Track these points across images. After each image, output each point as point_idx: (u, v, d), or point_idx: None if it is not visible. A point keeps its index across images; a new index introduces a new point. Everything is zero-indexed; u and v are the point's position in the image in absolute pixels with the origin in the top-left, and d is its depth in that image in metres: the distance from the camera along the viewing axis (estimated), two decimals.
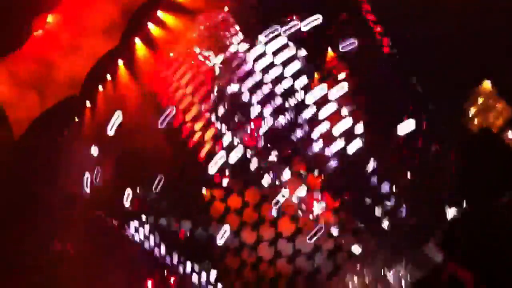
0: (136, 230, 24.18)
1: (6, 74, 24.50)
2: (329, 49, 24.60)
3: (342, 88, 23.73)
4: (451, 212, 22.70)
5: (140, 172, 23.84)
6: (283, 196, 22.86)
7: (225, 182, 23.38)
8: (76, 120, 25.26)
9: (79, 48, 24.96)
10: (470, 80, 25.32)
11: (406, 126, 23.78)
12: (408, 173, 23.52)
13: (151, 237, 23.94)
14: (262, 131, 23.57)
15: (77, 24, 25.14)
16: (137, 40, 25.51)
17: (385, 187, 23.05)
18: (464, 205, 22.51)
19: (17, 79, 24.54)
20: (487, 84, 25.57)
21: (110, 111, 24.80)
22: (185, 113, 24.43)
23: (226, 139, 23.61)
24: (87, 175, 24.38)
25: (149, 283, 23.97)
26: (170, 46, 25.20)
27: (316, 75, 24.08)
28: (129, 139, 24.21)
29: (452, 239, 21.15)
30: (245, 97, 23.69)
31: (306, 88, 23.65)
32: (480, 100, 25.52)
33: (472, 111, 25.43)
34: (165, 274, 24.00)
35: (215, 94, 24.16)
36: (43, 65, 24.78)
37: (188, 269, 23.24)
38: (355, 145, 23.27)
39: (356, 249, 22.49)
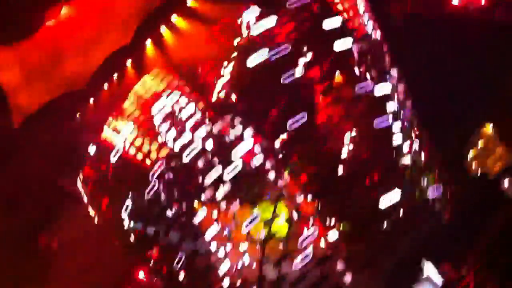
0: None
1: (14, 60, 24.40)
2: None
3: None
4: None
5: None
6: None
7: None
8: (78, 116, 25.22)
9: (90, 43, 24.86)
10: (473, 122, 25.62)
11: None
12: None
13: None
14: None
15: (91, 19, 25.06)
16: (148, 42, 25.46)
17: None
18: None
19: (25, 66, 24.43)
20: (488, 127, 25.74)
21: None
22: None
23: None
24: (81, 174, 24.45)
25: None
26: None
27: None
28: None
29: None
30: None
31: None
32: (481, 143, 25.66)
33: (472, 153, 25.59)
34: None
35: None
36: (53, 55, 24.68)
37: None
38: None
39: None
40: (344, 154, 23.73)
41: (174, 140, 23.51)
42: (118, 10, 25.02)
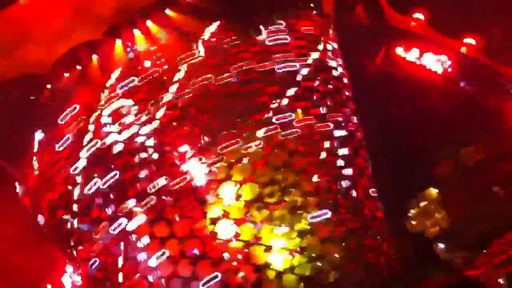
0: None
1: None
2: None
3: None
4: None
5: None
6: None
7: None
8: (32, 98, 24.71)
9: (61, 27, 24.50)
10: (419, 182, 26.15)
11: None
12: None
13: None
14: None
15: (65, 7, 24.76)
16: (118, 42, 25.30)
17: None
18: None
19: None
20: (433, 191, 26.27)
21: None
22: None
23: None
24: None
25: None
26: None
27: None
28: None
29: None
30: None
31: None
32: (423, 204, 26.14)
33: (413, 211, 26.02)
34: None
35: None
36: (19, 35, 24.17)
37: None
38: None
39: None
40: None
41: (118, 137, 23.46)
42: (95, 6, 24.80)
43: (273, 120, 23.92)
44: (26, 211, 25.36)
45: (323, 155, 24.27)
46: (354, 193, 24.41)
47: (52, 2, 24.54)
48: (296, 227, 23.11)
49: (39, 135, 25.02)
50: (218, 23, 24.97)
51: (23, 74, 24.39)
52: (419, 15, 28.60)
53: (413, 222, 25.81)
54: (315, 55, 25.51)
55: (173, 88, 24.32)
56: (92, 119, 24.49)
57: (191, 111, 24.14)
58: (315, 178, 23.77)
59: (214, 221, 22.78)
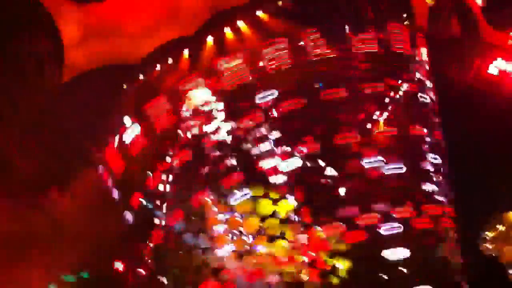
0: None
1: (78, 18, 25.01)
2: None
3: None
4: None
5: None
6: None
7: None
8: (124, 87, 25.78)
9: (151, 24, 25.41)
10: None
11: None
12: None
13: None
14: None
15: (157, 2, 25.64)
16: (209, 38, 25.93)
17: None
18: None
19: (86, 26, 25.05)
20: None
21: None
22: None
23: None
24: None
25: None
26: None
27: None
28: None
29: None
30: None
31: None
32: (501, 228, 25.44)
33: (490, 234, 25.38)
34: None
35: None
36: (113, 25, 25.25)
37: None
38: None
39: None
40: None
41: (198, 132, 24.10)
42: (186, 4, 25.50)
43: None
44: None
45: None
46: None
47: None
48: None
49: (128, 121, 25.93)
50: (307, 27, 25.13)
51: (115, 64, 25.46)
52: None
53: (489, 246, 25.18)
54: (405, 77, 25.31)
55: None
56: (179, 111, 25.27)
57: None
58: None
59: None
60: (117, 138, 25.91)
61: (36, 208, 24.30)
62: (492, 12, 27.38)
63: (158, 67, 25.84)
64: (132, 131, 25.83)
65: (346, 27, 24.76)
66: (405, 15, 26.10)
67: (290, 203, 23.42)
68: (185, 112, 25.20)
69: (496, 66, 28.00)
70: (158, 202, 25.01)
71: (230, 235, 23.33)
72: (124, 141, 26.03)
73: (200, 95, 25.09)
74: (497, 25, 28.00)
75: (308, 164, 23.77)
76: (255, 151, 24.24)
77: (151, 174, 25.14)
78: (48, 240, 24.08)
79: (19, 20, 23.36)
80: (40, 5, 23.78)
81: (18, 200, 23.73)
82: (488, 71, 28.18)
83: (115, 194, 25.76)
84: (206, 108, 24.90)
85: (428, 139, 24.95)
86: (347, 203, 23.47)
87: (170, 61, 25.80)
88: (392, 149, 24.38)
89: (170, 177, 25.09)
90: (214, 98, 25.02)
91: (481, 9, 28.23)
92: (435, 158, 24.82)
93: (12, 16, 23.20)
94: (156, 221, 24.83)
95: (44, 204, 24.51)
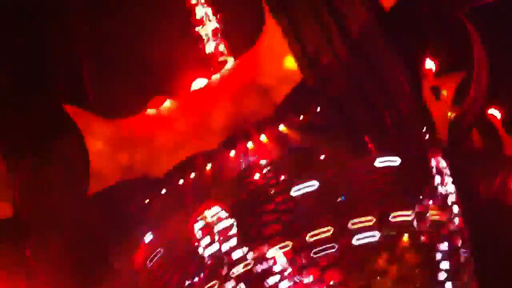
0: None
1: (107, 132, 25.91)
2: None
3: None
4: None
5: None
6: None
7: None
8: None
9: (178, 138, 26.07)
10: None
11: None
12: None
13: None
14: None
15: (186, 117, 26.42)
16: (232, 152, 26.34)
17: None
18: None
19: (113, 141, 25.82)
20: None
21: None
22: None
23: None
24: None
25: None
26: None
27: None
28: None
29: None
30: None
31: None
32: None
33: None
34: None
35: None
36: (141, 140, 26.02)
37: None
38: None
39: None
40: None
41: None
42: (212, 120, 26.20)
43: None
44: None
45: None
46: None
47: (173, 116, 26.31)
48: None
49: (148, 237, 26.00)
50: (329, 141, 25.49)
51: (139, 177, 25.93)
52: None
53: None
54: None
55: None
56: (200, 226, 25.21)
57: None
58: None
59: None
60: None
61: None
62: None
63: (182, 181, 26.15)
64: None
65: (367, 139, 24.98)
66: (424, 128, 26.35)
67: None
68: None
69: None
70: None
71: None
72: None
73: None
74: None
75: None
76: None
77: None
78: None
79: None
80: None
81: None
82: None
83: None
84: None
85: None
86: None
87: (192, 175, 26.14)
88: None
89: None
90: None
91: (502, 123, 28.59)
92: None
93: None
94: None
95: None
